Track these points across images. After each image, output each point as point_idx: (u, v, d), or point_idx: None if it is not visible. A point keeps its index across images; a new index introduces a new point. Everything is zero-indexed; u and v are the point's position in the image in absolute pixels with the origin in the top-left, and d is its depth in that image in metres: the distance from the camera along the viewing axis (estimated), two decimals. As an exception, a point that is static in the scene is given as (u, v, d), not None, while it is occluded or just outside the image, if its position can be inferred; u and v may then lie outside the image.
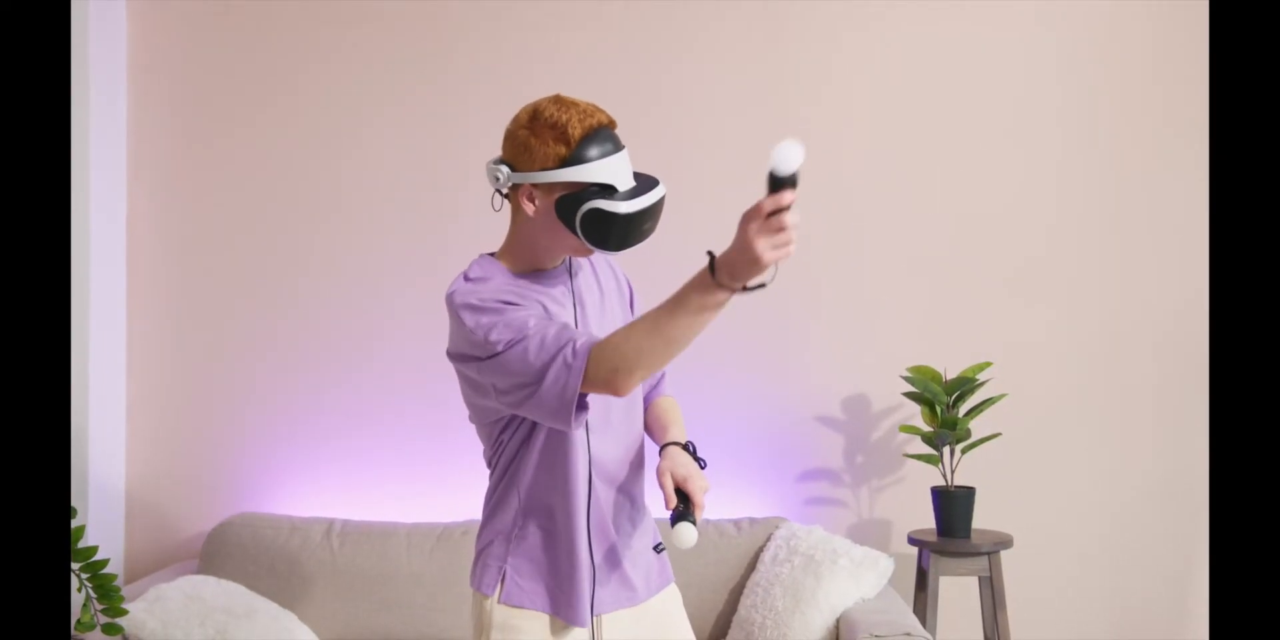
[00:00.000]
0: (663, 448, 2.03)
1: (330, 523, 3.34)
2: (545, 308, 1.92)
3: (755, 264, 1.61)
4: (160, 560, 3.55)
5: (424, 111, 3.51)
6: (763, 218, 1.59)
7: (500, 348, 1.81)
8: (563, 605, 1.99)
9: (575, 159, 1.84)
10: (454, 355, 1.92)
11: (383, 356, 3.51)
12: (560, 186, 1.86)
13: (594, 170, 1.84)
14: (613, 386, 1.77)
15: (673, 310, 1.71)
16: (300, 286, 3.55)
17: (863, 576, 3.00)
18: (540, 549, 1.99)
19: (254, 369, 3.55)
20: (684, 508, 1.93)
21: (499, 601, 1.99)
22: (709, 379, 3.47)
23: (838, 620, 2.94)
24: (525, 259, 1.97)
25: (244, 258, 3.56)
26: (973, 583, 3.42)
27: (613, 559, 2.03)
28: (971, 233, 3.46)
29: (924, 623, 3.17)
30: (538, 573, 1.99)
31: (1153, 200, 3.45)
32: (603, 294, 2.06)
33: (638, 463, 2.08)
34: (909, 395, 3.26)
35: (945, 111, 3.46)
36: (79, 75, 3.35)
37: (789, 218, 1.59)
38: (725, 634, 3.17)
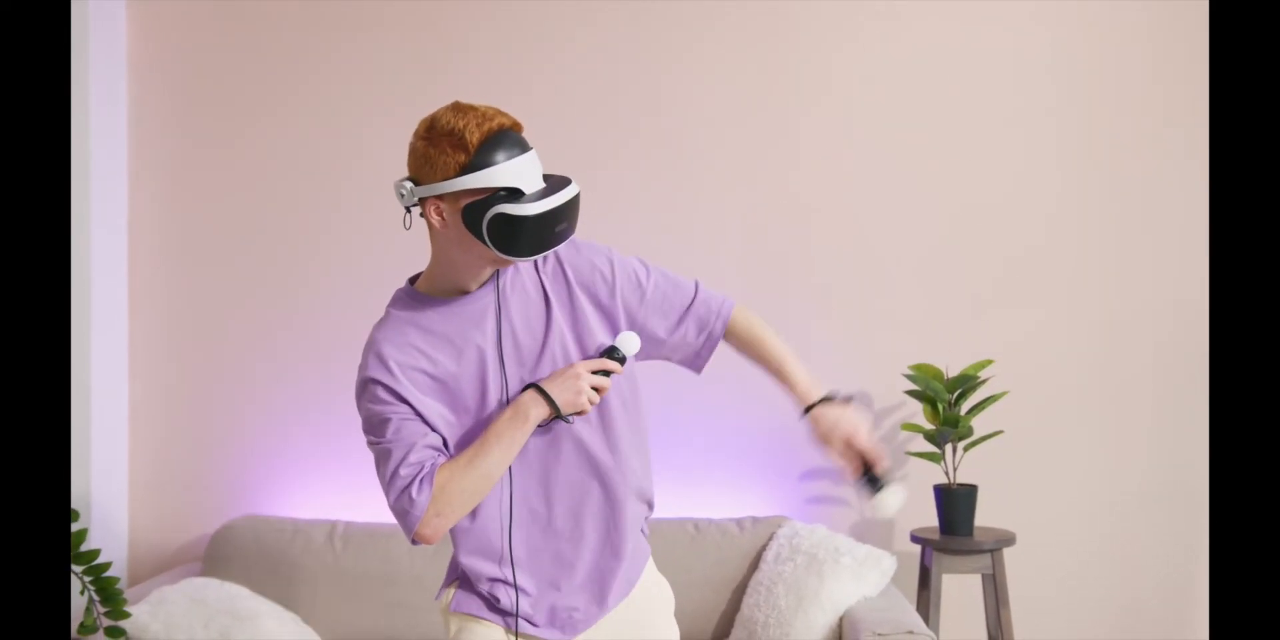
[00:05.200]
0: (805, 411, 1.94)
1: (333, 525, 3.34)
2: (430, 379, 1.87)
3: (575, 404, 1.84)
4: (163, 563, 3.55)
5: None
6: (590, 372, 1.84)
7: (363, 428, 1.88)
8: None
9: (475, 165, 1.75)
10: None
11: (384, 358, 3.51)
12: (465, 194, 1.77)
13: (496, 174, 1.75)
14: (429, 530, 1.81)
15: (494, 444, 1.82)
16: (301, 289, 3.55)
17: (865, 575, 3.00)
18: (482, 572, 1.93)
19: (256, 372, 3.55)
20: (869, 472, 1.82)
21: (451, 609, 1.94)
22: (710, 377, 3.46)
23: (840, 619, 2.94)
24: (446, 279, 1.89)
25: (245, 261, 3.56)
26: (976, 580, 3.42)
27: (554, 589, 1.94)
28: (972, 231, 3.46)
29: (927, 621, 3.17)
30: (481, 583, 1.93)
31: (1152, 197, 3.44)
32: (549, 304, 1.91)
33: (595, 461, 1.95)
34: (911, 393, 3.26)
35: (943, 111, 3.46)
36: (79, 80, 3.35)
37: (606, 382, 1.86)
38: (728, 633, 3.17)
